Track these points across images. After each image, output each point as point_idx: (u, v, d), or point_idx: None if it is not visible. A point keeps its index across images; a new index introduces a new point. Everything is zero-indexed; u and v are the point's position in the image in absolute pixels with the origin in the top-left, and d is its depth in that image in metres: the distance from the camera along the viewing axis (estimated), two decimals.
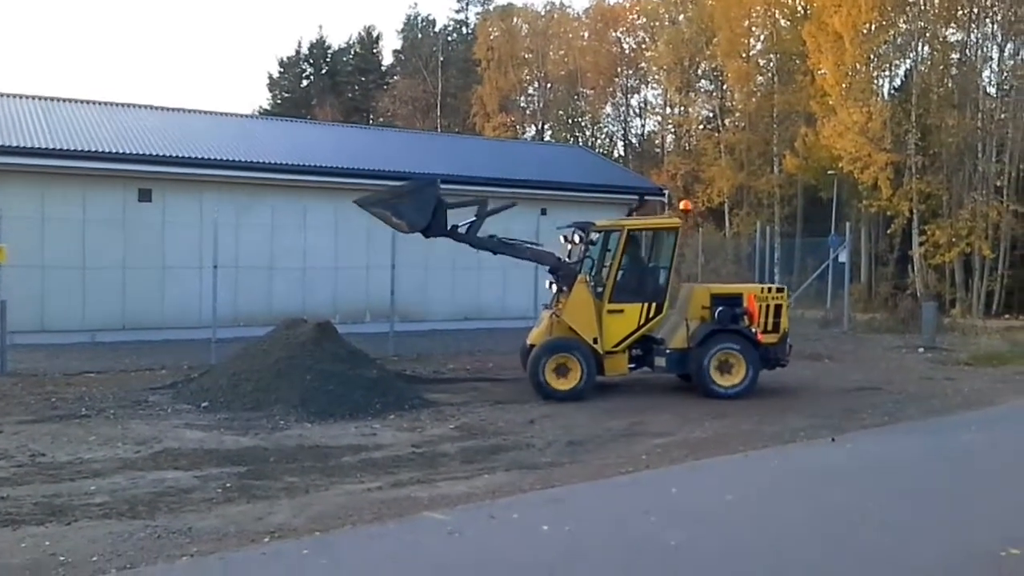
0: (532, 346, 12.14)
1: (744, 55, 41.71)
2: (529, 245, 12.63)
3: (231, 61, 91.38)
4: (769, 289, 12.72)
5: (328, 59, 65.11)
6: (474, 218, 12.27)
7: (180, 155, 16.91)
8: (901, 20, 34.47)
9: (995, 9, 33.76)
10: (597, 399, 11.69)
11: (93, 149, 16.24)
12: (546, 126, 55.44)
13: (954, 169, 33.51)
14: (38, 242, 15.46)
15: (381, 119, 59.67)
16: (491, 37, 54.72)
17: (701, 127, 47.18)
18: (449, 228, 12.07)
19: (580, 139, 52.85)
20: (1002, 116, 33.25)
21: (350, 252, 18.50)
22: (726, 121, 44.71)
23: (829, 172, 36.26)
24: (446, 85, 57.12)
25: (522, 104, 56.06)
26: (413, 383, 12.16)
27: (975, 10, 33.68)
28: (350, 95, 63.86)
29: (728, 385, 11.88)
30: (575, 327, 11.78)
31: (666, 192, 25.43)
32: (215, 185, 17.22)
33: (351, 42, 65.83)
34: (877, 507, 6.68)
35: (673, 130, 50.08)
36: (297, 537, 5.77)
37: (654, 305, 12.12)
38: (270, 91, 63.91)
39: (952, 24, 34.57)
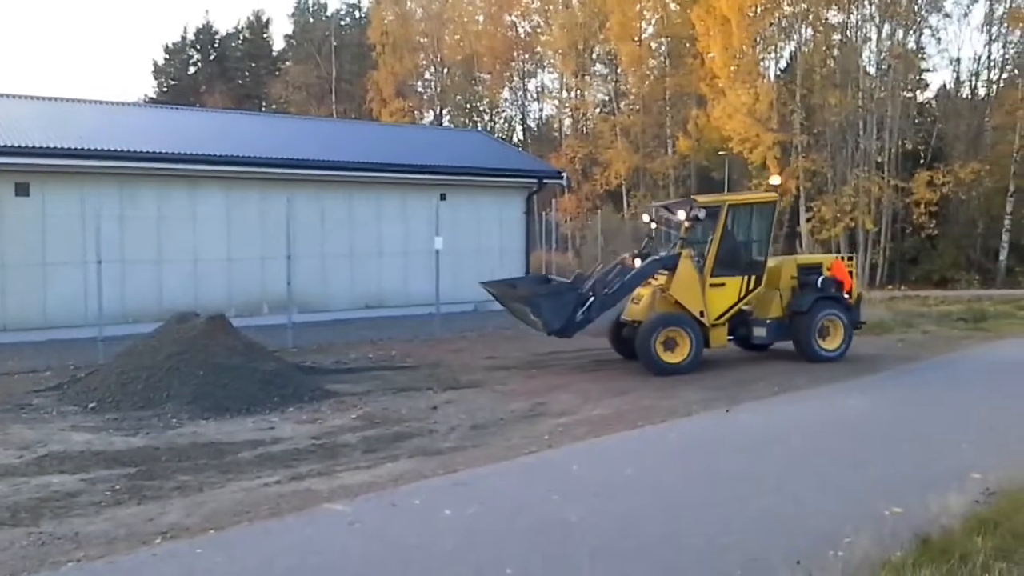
0: (628, 323, 12.59)
1: (636, 39, 42.35)
2: (628, 277, 12.33)
3: (113, 48, 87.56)
4: (848, 258, 14.07)
5: (216, 45, 63.14)
6: (591, 297, 12.21)
7: (59, 146, 16.05)
8: (786, 3, 35.63)
9: None
10: (498, 383, 11.72)
11: None
12: (444, 111, 55.12)
13: (837, 147, 34.90)
14: None
15: (274, 106, 58.24)
16: (385, 21, 53.94)
17: (597, 110, 47.74)
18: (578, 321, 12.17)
19: (479, 124, 52.79)
20: (881, 95, 34.77)
21: (243, 243, 17.99)
22: (621, 104, 45.36)
23: (720, 152, 37.30)
24: (340, 70, 56.11)
25: (419, 89, 55.56)
26: (313, 374, 11.94)
27: None
28: (240, 82, 62.12)
29: (831, 348, 12.88)
30: (683, 301, 12.12)
31: (564, 175, 25.66)
32: (97, 177, 16.42)
33: (240, 27, 64.05)
34: (770, 474, 6.92)
35: (570, 114, 50.53)
36: (190, 536, 5.59)
37: (753, 278, 12.68)
38: (156, 79, 61.64)
39: (833, 6, 35.94)
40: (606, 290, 12.07)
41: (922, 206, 33.79)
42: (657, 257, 12.47)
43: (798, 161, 34.09)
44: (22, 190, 15.96)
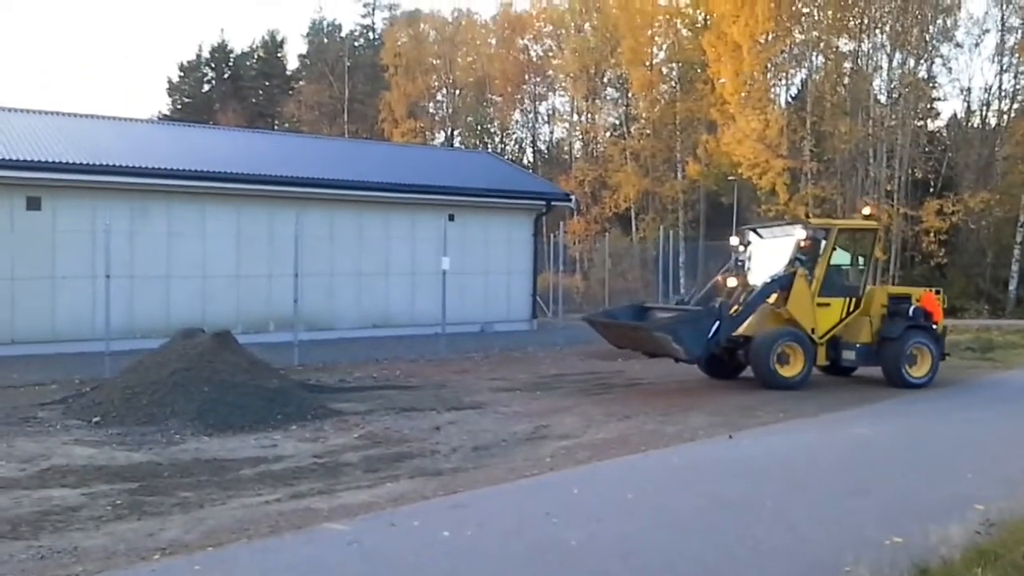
0: (740, 339, 12.71)
1: (647, 64, 42.56)
2: (752, 298, 12.69)
3: (129, 66, 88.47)
4: (937, 291, 14.41)
5: (231, 63, 63.76)
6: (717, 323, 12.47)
7: (71, 161, 16.23)
8: (796, 30, 35.75)
9: (884, 21, 35.31)
10: (502, 405, 11.71)
11: None
12: (455, 132, 55.43)
13: (847, 174, 34.89)
14: None
15: (286, 125, 58.61)
16: (398, 43, 54.41)
17: (607, 134, 47.91)
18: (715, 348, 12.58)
19: (489, 145, 53.02)
20: (892, 123, 34.79)
21: (252, 261, 18.11)
22: (631, 128, 45.52)
23: (729, 178, 37.33)
24: (353, 91, 56.51)
25: (431, 110, 55.91)
26: (317, 392, 11.96)
27: (866, 21, 35.17)
28: (254, 100, 62.62)
29: (919, 376, 13.25)
30: (798, 317, 12.67)
31: (573, 197, 25.75)
32: (109, 192, 16.59)
33: (254, 46, 64.64)
34: (772, 501, 6.88)
35: (580, 137, 50.71)
36: (189, 553, 5.59)
37: (853, 300, 13.29)
38: (170, 96, 62.23)
39: (844, 35, 36.03)
40: (731, 312, 12.31)
41: (932, 235, 33.70)
42: (774, 277, 12.79)
43: (807, 188, 34.09)
44: (33, 204, 16.13)
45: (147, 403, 9.91)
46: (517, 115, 55.12)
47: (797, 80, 38.74)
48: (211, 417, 9.60)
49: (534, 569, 5.32)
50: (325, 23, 63.12)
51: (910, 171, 34.87)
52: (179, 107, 60.45)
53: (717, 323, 12.26)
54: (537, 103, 54.52)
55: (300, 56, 64.41)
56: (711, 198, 41.96)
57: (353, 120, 56.28)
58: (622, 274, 31.74)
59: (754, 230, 14.56)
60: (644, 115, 44.48)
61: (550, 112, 54.78)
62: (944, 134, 41.17)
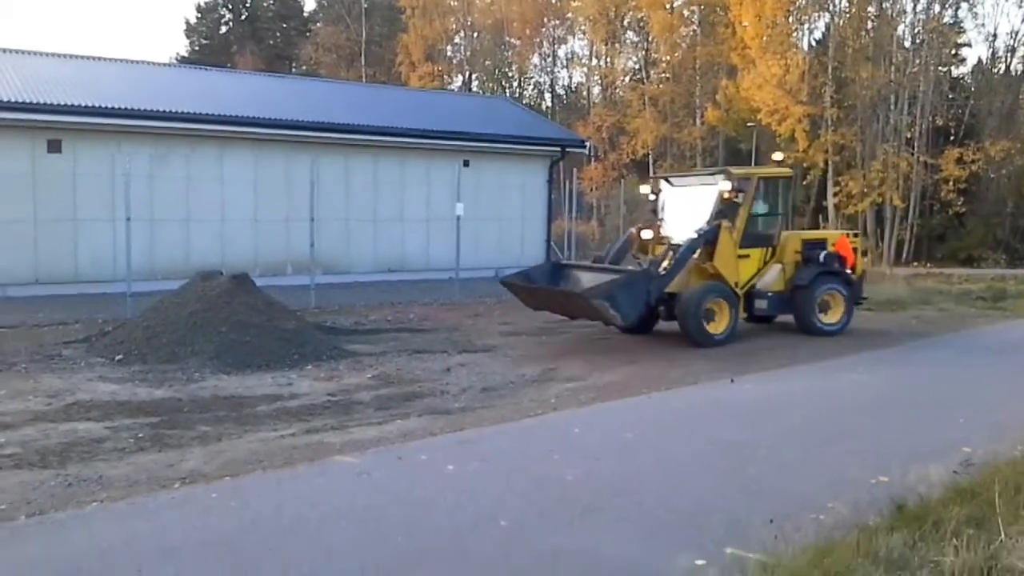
0: (665, 295, 12.12)
1: (668, 6, 41.93)
2: (680, 254, 12.02)
3: (146, 6, 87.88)
4: (854, 235, 14.28)
5: (248, 5, 63.16)
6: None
7: (91, 104, 16.43)
8: None
9: None
10: (511, 348, 11.99)
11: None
12: (473, 76, 54.99)
13: (867, 121, 34.51)
14: None
15: (304, 67, 58.34)
16: None
17: (626, 79, 47.44)
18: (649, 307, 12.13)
19: (507, 90, 52.63)
20: (914, 69, 34.29)
21: (269, 205, 18.36)
22: (651, 73, 45.05)
23: (748, 124, 36.99)
24: (370, 33, 56.02)
25: (448, 53, 55.43)
26: (333, 334, 12.28)
27: None
28: (271, 42, 62.19)
29: (831, 322, 13.18)
30: (724, 272, 12.33)
31: (588, 144, 25.70)
32: (128, 136, 16.82)
33: None
34: (764, 443, 7.13)
35: (599, 82, 50.25)
36: (207, 482, 5.94)
37: (770, 250, 13.08)
38: (187, 38, 61.89)
39: None
40: (660, 270, 11.78)
41: (951, 183, 33.45)
42: (700, 230, 12.26)
43: (827, 135, 33.79)
44: (54, 147, 16.38)
45: (167, 342, 10.26)
46: (535, 59, 54.59)
47: (820, 24, 38.13)
48: (229, 356, 9.94)
49: (533, 501, 5.62)
50: None
51: (931, 118, 34.45)
52: (196, 49, 60.19)
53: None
54: (556, 47, 53.95)
55: None
56: (730, 145, 41.65)
57: (370, 63, 55.88)
58: (638, 221, 31.77)
59: (666, 178, 14.03)
60: (664, 59, 43.98)
61: (568, 56, 54.25)
62: (968, 81, 40.52)
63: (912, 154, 33.52)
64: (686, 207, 13.17)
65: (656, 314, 12.68)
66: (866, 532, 4.70)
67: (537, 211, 22.55)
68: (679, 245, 12.13)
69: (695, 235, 12.17)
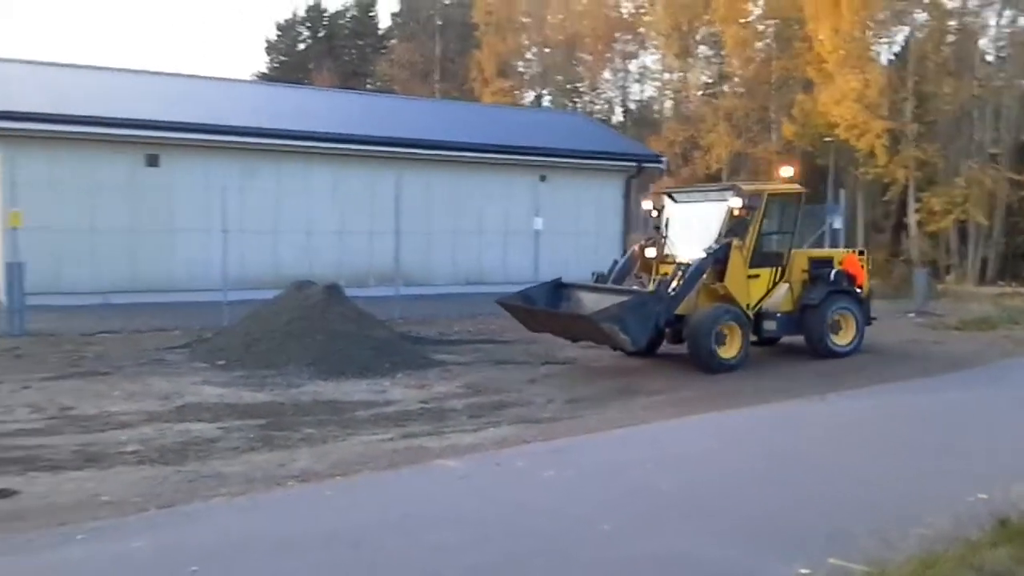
0: (676, 318, 11.41)
1: (743, 20, 41.68)
2: (690, 274, 11.27)
3: (229, 25, 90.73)
4: (860, 252, 13.72)
5: (325, 23, 64.79)
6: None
7: (186, 121, 17.17)
8: None
9: None
10: (592, 361, 12.14)
11: (102, 115, 16.49)
12: (544, 91, 55.39)
13: (950, 136, 33.76)
14: (50, 206, 15.75)
15: (379, 83, 59.52)
16: (489, 1, 54.45)
17: (700, 93, 47.23)
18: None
19: (578, 104, 52.88)
20: (998, 83, 33.46)
21: (353, 217, 18.88)
22: (725, 87, 44.79)
23: (826, 139, 36.49)
24: (444, 49, 56.90)
25: (520, 69, 55.95)
26: (419, 344, 12.61)
27: None
28: (347, 59, 63.59)
29: (844, 344, 12.59)
30: (735, 293, 11.64)
31: (664, 159, 25.73)
32: (221, 151, 17.51)
33: (348, 5, 65.48)
34: (862, 457, 7.15)
35: (672, 96, 50.12)
36: (319, 481, 6.25)
37: (780, 269, 12.45)
38: (268, 55, 63.70)
39: None
40: (670, 292, 11.07)
41: None
42: (710, 249, 11.55)
43: (908, 150, 33.15)
44: (152, 161, 17.14)
45: (266, 349, 10.71)
46: (607, 73, 54.71)
47: (899, 38, 37.46)
48: (324, 363, 10.34)
49: (630, 508, 5.77)
50: None
51: (1017, 134, 33.53)
52: (276, 66, 61.91)
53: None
54: (627, 61, 54.00)
55: (392, 15, 65.00)
56: (806, 160, 41.00)
57: (444, 79, 56.74)
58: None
59: (669, 194, 13.29)
60: (738, 73, 43.69)
61: (641, 71, 54.24)
62: None
63: (997, 170, 32.66)
64: (691, 224, 12.53)
65: (661, 337, 11.97)
66: (969, 546, 4.74)
67: (613, 226, 22.67)
68: (687, 264, 11.41)
69: (705, 254, 11.48)
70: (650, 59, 53.73)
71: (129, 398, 8.97)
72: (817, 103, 35.29)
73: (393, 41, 62.50)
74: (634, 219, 24.29)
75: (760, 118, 41.61)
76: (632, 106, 55.44)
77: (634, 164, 23.09)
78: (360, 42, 64.84)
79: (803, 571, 4.59)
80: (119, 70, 21.08)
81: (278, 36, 63.90)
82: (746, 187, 12.39)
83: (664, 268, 12.05)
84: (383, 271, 17.79)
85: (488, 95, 50.54)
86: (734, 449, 7.48)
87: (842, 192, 26.58)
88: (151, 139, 16.93)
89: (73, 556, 4.81)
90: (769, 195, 12.29)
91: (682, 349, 11.92)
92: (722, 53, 45.45)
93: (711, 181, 42.30)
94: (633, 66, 54.25)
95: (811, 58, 36.38)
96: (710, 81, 46.81)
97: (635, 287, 12.06)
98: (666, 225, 12.84)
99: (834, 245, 25.47)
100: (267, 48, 63.76)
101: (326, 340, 10.67)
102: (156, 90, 19.34)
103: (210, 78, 23.36)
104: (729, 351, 11.36)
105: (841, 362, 12.43)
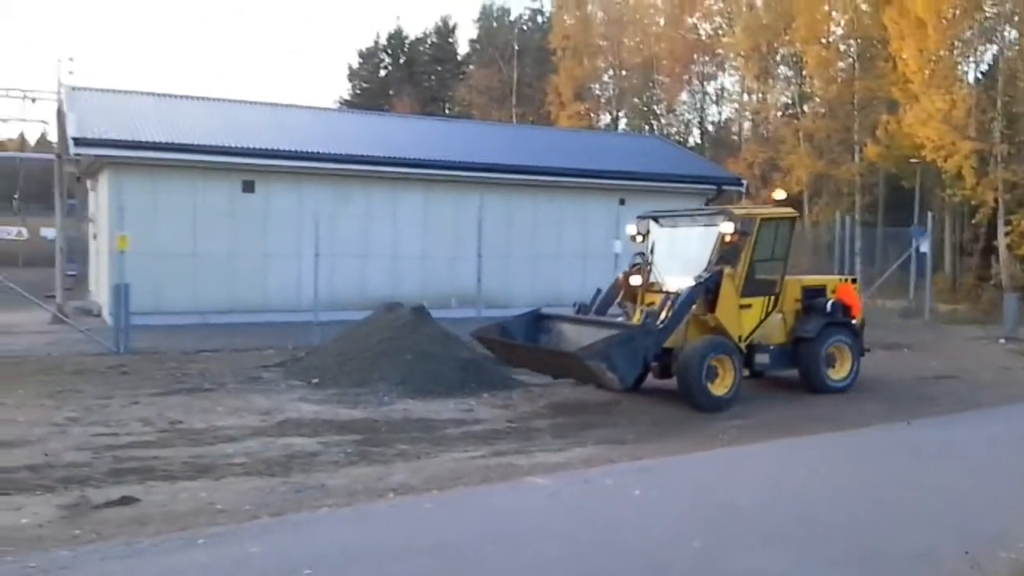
0: (665, 351, 10.60)
1: (824, 41, 41.21)
2: (679, 305, 10.43)
3: (313, 54, 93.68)
4: (853, 280, 12.91)
5: (405, 49, 66.42)
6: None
7: (280, 148, 17.97)
8: (987, 4, 33.73)
9: None
10: (671, 384, 12.19)
11: (202, 143, 17.40)
12: (621, 113, 55.60)
13: None
14: (153, 231, 16.63)
15: (457, 108, 60.62)
16: (566, 25, 55.01)
17: (779, 114, 46.77)
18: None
19: (655, 127, 52.87)
20: None
21: (437, 242, 19.41)
22: (805, 108, 44.26)
23: (912, 160, 35.73)
24: (522, 74, 57.69)
25: (597, 92, 56.30)
26: (502, 365, 12.87)
27: None
28: (427, 84, 65.02)
29: (839, 378, 11.74)
30: (727, 325, 10.81)
31: (744, 182, 25.65)
32: (312, 177, 18.27)
33: (428, 32, 67.03)
34: (948, 481, 7.14)
35: (750, 117, 49.76)
36: (417, 494, 6.57)
37: (772, 299, 11.51)
38: (350, 81, 65.61)
39: None
40: (659, 324, 10.23)
41: None
42: (700, 277, 10.66)
43: (997, 171, 32.25)
44: (248, 187, 17.97)
45: (357, 368, 11.14)
46: (684, 95, 54.63)
47: (987, 57, 36.55)
48: (413, 383, 10.71)
49: (717, 527, 5.93)
50: (495, 8, 64.62)
51: None
52: (358, 92, 63.69)
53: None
54: (705, 83, 53.87)
55: (471, 41, 66.28)
56: (891, 181, 40.26)
57: (521, 103, 57.49)
58: (792, 259, 31.26)
59: (654, 218, 12.31)
60: (819, 94, 43.14)
61: (718, 92, 54.03)
62: None
63: None
64: (679, 251, 11.75)
65: (647, 371, 10.94)
66: None
67: None
68: (676, 294, 10.56)
69: (695, 283, 10.59)
70: (728, 80, 53.53)
71: (233, 413, 9.47)
72: (902, 124, 34.62)
73: (471, 67, 63.65)
74: None
75: (842, 139, 40.93)
76: (710, 128, 55.19)
77: (713, 187, 23.11)
78: (439, 68, 66.20)
79: None
80: (215, 100, 22.14)
81: (360, 63, 65.72)
82: (737, 211, 11.65)
83: (650, 297, 11.31)
84: (464, 293, 18.21)
85: (564, 118, 50.96)
86: (817, 473, 7.54)
87: (929, 215, 26.07)
88: (248, 166, 17.77)
89: (196, 559, 5.19)
90: (762, 220, 11.36)
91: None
92: (803, 73, 44.97)
93: (795, 203, 41.79)
94: (711, 88, 54.11)
95: (895, 78, 35.74)
96: (790, 102, 46.31)
97: (619, 319, 11.35)
98: (651, 251, 11.96)
99: (921, 270, 25.04)
100: (349, 75, 65.68)
101: (415, 360, 11.05)
102: (251, 118, 20.27)
103: (300, 106, 24.30)
104: (721, 387, 10.52)
105: (931, 387, 12.29)
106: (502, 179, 20.03)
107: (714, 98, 54.19)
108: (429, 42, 67.32)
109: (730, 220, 10.86)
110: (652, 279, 11.58)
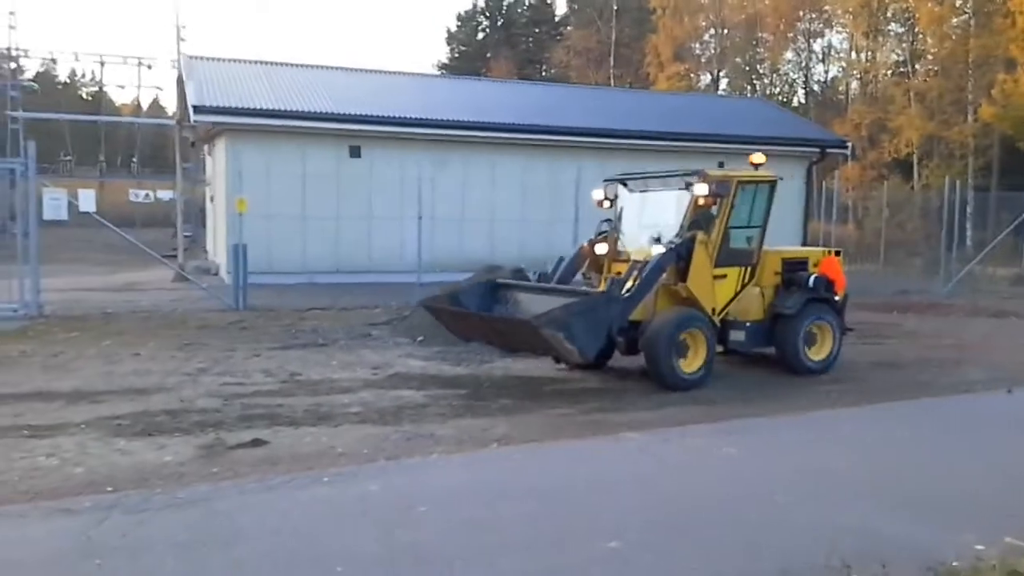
0: (632, 324, 9.79)
1: None
2: (647, 273, 9.47)
3: (413, 18, 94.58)
4: (837, 252, 11.81)
5: (503, 12, 66.53)
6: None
7: (385, 115, 18.60)
8: None
9: None
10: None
11: (312, 110, 18.17)
12: (722, 74, 54.53)
13: None
14: (266, 194, 17.54)
15: (554, 70, 60.51)
16: None
17: (889, 73, 45.12)
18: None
19: (757, 87, 51.72)
20: None
21: (535, 206, 19.80)
22: (916, 66, 42.58)
23: None
24: (620, 35, 57.08)
25: (697, 52, 55.29)
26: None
27: None
28: (524, 47, 65.10)
29: (819, 359, 10.82)
30: (699, 296, 9.96)
31: (849, 143, 25.07)
32: (414, 142, 18.86)
33: None
34: None
35: (858, 76, 48.12)
36: (517, 445, 7.03)
37: (749, 270, 10.64)
38: (448, 45, 66.22)
39: None
40: (623, 293, 9.38)
41: None
42: (671, 243, 9.81)
43: None
44: (355, 152, 18.70)
45: None
46: (789, 54, 53.15)
47: None
48: None
49: (806, 484, 6.17)
50: None
51: None
52: (456, 56, 64.25)
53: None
54: (811, 41, 52.27)
55: (569, 2, 65.88)
56: (1006, 143, 38.46)
57: (619, 64, 56.94)
58: (900, 224, 30.34)
59: (622, 182, 11.45)
60: (932, 52, 41.43)
61: (825, 50, 52.35)
62: None
63: None
64: (648, 216, 10.84)
65: (613, 347, 10.06)
66: None
67: (793, 214, 22.41)
68: (644, 262, 9.66)
69: (665, 249, 9.73)
70: (836, 38, 51.82)
71: (346, 367, 10.14)
72: (1020, 83, 33.07)
73: (569, 28, 63.33)
74: (813, 206, 23.92)
75: (955, 99, 39.26)
76: (815, 88, 53.61)
77: (817, 149, 22.74)
78: (536, 30, 66.13)
79: (979, 547, 4.88)
80: (317, 67, 22.93)
81: (458, 26, 66.19)
82: (713, 173, 10.57)
83: (617, 267, 10.45)
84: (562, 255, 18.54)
85: (663, 80, 50.32)
86: (916, 436, 7.66)
87: None
88: (354, 132, 18.47)
89: (323, 495, 5.77)
90: (739, 182, 10.46)
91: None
92: (915, 30, 43.22)
93: (904, 165, 40.48)
94: (817, 46, 52.49)
95: (1014, 35, 34.09)
96: (900, 60, 44.59)
97: (584, 287, 10.49)
98: (619, 218, 11.06)
99: None
100: (447, 38, 66.27)
101: None
102: (357, 85, 20.99)
103: (400, 73, 24.92)
104: (691, 364, 9.71)
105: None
106: (598, 143, 20.20)
107: (820, 57, 52.58)
108: (527, 4, 67.23)
109: (704, 182, 9.95)
110: (620, 248, 10.70)
